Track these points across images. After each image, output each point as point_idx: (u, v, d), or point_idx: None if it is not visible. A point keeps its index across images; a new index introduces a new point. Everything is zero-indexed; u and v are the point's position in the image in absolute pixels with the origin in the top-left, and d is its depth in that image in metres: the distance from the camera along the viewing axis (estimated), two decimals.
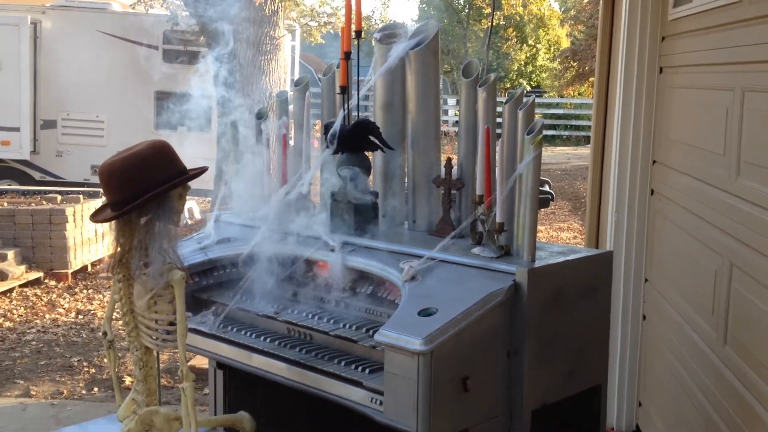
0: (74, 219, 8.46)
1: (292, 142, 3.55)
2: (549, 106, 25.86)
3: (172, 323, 2.51)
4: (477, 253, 2.73)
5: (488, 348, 2.45)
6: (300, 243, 3.05)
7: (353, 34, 3.12)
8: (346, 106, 3.14)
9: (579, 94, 26.63)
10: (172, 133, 11.41)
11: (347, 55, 3.13)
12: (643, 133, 4.20)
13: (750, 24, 2.92)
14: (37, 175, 11.99)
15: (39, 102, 11.86)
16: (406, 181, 3.26)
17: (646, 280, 4.25)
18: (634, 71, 4.21)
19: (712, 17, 3.35)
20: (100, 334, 2.71)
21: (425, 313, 2.42)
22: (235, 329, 2.99)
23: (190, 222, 9.76)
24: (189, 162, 2.63)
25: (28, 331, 6.69)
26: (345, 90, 3.15)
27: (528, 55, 30.16)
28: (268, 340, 2.88)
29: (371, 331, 2.65)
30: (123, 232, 2.49)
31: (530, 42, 29.81)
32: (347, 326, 2.76)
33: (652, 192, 4.19)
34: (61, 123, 11.94)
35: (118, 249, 2.53)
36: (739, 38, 3.03)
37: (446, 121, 23.69)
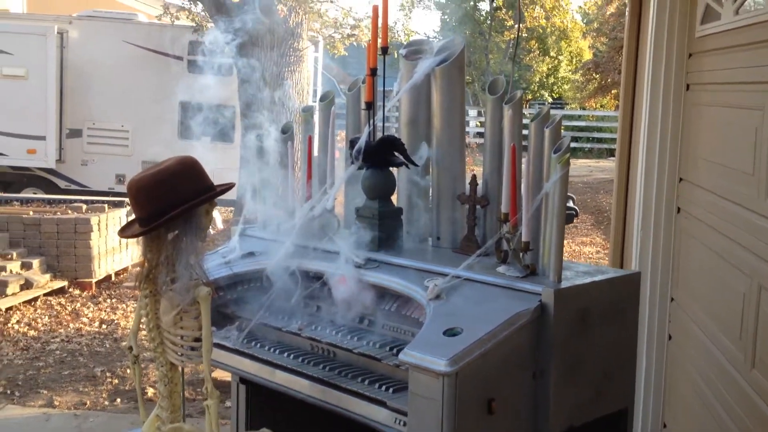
0: (99, 228, 8.52)
1: (316, 154, 3.56)
2: (571, 118, 25.76)
3: (197, 339, 2.52)
4: (502, 272, 2.71)
5: (514, 369, 2.43)
6: (324, 258, 3.04)
7: (379, 50, 3.13)
8: (371, 121, 3.15)
9: (601, 107, 26.52)
10: (196, 143, 11.51)
11: (373, 72, 3.13)
12: (669, 149, 4.17)
13: None
14: (62, 184, 12.11)
15: (65, 111, 11.99)
16: (430, 197, 3.25)
17: (672, 299, 4.20)
18: (660, 87, 4.18)
19: (740, 35, 3.32)
20: (126, 348, 2.71)
21: (450, 333, 2.41)
22: (258, 344, 2.99)
23: (212, 232, 9.81)
24: (212, 170, 2.64)
25: (52, 340, 6.74)
26: (370, 106, 3.16)
27: (550, 66, 30.09)
28: (292, 356, 2.87)
29: (395, 350, 2.64)
30: (151, 247, 2.51)
31: (552, 53, 29.74)
32: (371, 344, 2.76)
33: (679, 210, 4.15)
34: (86, 132, 12.05)
35: (146, 264, 2.54)
36: None
37: (468, 133, 23.67)
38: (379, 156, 3.10)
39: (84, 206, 9.13)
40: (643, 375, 4.23)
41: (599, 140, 24.86)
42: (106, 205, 9.16)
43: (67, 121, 12.01)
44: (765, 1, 3.09)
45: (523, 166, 2.79)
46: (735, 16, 3.40)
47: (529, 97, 29.67)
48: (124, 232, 2.57)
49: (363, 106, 3.26)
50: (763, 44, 3.08)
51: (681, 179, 4.13)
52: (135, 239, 2.59)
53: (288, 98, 9.41)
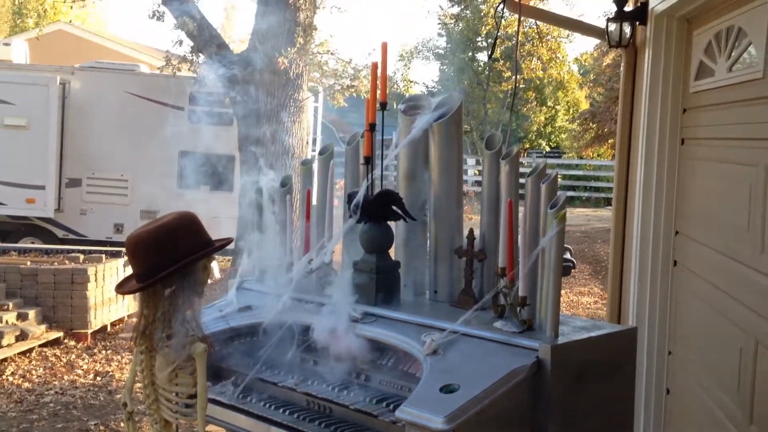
0: (96, 279, 8.51)
1: (315, 204, 3.58)
2: (568, 167, 25.91)
3: (192, 396, 2.50)
4: (499, 327, 2.71)
5: (511, 426, 2.42)
6: (321, 313, 3.04)
7: (378, 105, 3.17)
8: (369, 176, 3.17)
9: (598, 156, 26.67)
10: (195, 192, 11.61)
11: (372, 127, 3.17)
12: (665, 203, 4.20)
13: None
14: (60, 233, 12.11)
15: (65, 161, 12.05)
16: (428, 251, 3.26)
17: (670, 352, 4.19)
18: (655, 141, 4.23)
19: (734, 92, 3.37)
20: (121, 405, 2.69)
21: (447, 389, 2.40)
22: (254, 400, 2.98)
23: (210, 282, 9.78)
24: (212, 219, 2.64)
25: (46, 392, 6.68)
26: (369, 161, 3.18)
27: (547, 116, 30.36)
28: (288, 412, 2.85)
29: (392, 406, 2.62)
30: (147, 303, 2.51)
31: (549, 103, 30.03)
32: (367, 400, 2.74)
33: (675, 263, 4.16)
34: (86, 182, 12.10)
35: (142, 320, 2.54)
36: (762, 114, 3.04)
37: (466, 181, 23.80)
38: (376, 210, 3.12)
39: (81, 256, 9.12)
40: (641, 430, 4.20)
41: (597, 189, 24.96)
42: (103, 256, 9.16)
43: (66, 170, 12.07)
44: (758, 58, 3.15)
45: (520, 220, 2.80)
46: (728, 73, 3.45)
47: (527, 146, 29.88)
48: (122, 287, 2.57)
49: (362, 160, 3.29)
50: (756, 101, 3.12)
51: (677, 232, 4.15)
52: (132, 294, 2.59)
53: (288, 149, 9.49)
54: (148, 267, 2.45)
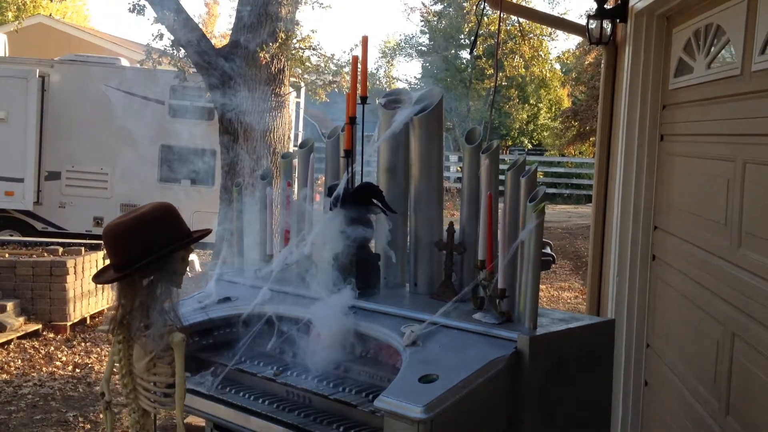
0: (75, 271, 8.45)
1: (295, 198, 3.58)
2: (550, 164, 26.03)
3: (170, 386, 2.50)
4: (478, 318, 2.72)
5: (489, 416, 2.43)
6: (301, 304, 3.04)
7: (358, 99, 3.17)
8: (350, 169, 3.17)
9: (580, 153, 26.82)
10: (175, 187, 11.55)
11: (352, 120, 3.17)
12: (644, 198, 4.23)
13: (750, 97, 2.97)
14: (39, 226, 12.01)
15: (44, 154, 11.95)
16: (408, 243, 3.27)
17: (648, 345, 4.23)
18: (635, 138, 4.26)
19: (712, 88, 3.40)
20: (99, 395, 2.68)
21: (426, 379, 2.41)
22: (233, 390, 2.97)
23: (190, 275, 9.74)
24: (192, 213, 2.64)
25: (24, 384, 6.63)
26: (349, 154, 3.19)
27: (529, 114, 30.47)
28: (267, 402, 2.86)
29: (371, 396, 2.63)
30: (125, 293, 2.50)
31: (532, 101, 30.13)
32: (347, 390, 2.74)
33: (654, 257, 4.20)
34: (65, 175, 12.01)
35: (120, 310, 2.53)
36: (740, 111, 3.07)
37: (448, 178, 23.83)
38: (357, 203, 3.12)
39: (60, 249, 9.05)
40: (619, 421, 4.24)
41: (578, 186, 25.10)
42: (82, 248, 9.09)
43: (46, 163, 11.97)
44: (736, 56, 3.18)
45: (500, 214, 2.82)
46: (707, 69, 3.49)
47: (509, 143, 29.97)
48: (99, 278, 2.56)
49: (342, 153, 3.29)
50: (734, 97, 3.16)
51: (656, 227, 4.19)
52: (110, 285, 2.58)
53: (269, 144, 9.45)
54: (125, 257, 2.43)
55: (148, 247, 2.43)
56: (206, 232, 2.59)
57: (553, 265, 12.40)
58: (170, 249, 2.46)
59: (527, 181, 2.71)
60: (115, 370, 2.65)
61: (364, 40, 3.29)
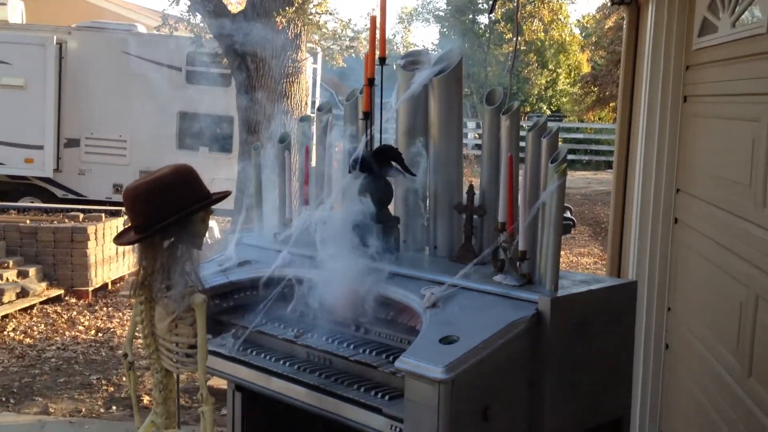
0: (96, 237, 8.52)
1: (314, 165, 3.56)
2: (569, 130, 25.82)
3: (192, 346, 2.51)
4: (499, 280, 2.71)
5: (509, 377, 2.43)
6: (320, 267, 3.04)
7: (377, 60, 3.14)
8: (368, 131, 3.15)
9: (599, 119, 26.58)
10: (194, 154, 11.56)
11: (371, 81, 3.14)
12: (666, 161, 4.18)
13: None
14: (59, 193, 12.10)
15: (63, 121, 11.99)
16: (427, 206, 3.26)
17: (669, 309, 4.21)
18: (657, 99, 4.19)
19: (737, 48, 3.33)
20: (121, 354, 2.71)
21: (446, 340, 2.41)
22: (254, 352, 2.99)
23: (210, 242, 9.78)
24: (211, 181, 2.64)
25: (47, 348, 6.73)
26: (368, 115, 3.16)
27: (548, 79, 30.18)
28: (288, 364, 2.87)
29: (392, 358, 2.64)
30: (146, 254, 2.51)
31: (551, 67, 29.83)
32: (367, 352, 2.75)
33: (676, 220, 4.16)
34: (84, 142, 12.05)
35: (141, 271, 2.54)
36: (765, 70, 3.01)
37: (466, 144, 23.70)
38: (376, 165, 3.10)
39: (81, 215, 9.12)
40: (639, 384, 4.23)
41: (597, 152, 24.91)
42: (103, 214, 9.16)
43: (65, 130, 12.02)
44: (762, 14, 3.11)
45: (520, 176, 2.79)
46: (732, 28, 3.42)
47: (528, 109, 29.75)
48: (120, 239, 2.57)
49: (360, 116, 3.27)
50: (759, 56, 3.09)
51: (678, 190, 4.14)
52: (130, 246, 2.59)
53: (286, 111, 9.42)
54: (146, 218, 2.44)
55: (169, 208, 2.43)
56: (226, 194, 2.59)
57: (573, 231, 12.37)
58: (190, 210, 2.46)
59: (548, 142, 2.68)
60: (137, 332, 2.68)
61: (383, 1, 3.24)
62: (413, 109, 3.20)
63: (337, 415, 2.64)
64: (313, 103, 12.91)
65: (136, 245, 2.52)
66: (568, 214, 10.57)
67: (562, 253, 11.60)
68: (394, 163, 3.11)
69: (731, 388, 3.18)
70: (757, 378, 2.95)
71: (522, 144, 2.83)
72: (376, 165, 3.09)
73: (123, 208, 2.53)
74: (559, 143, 2.77)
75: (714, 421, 3.37)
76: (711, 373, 3.44)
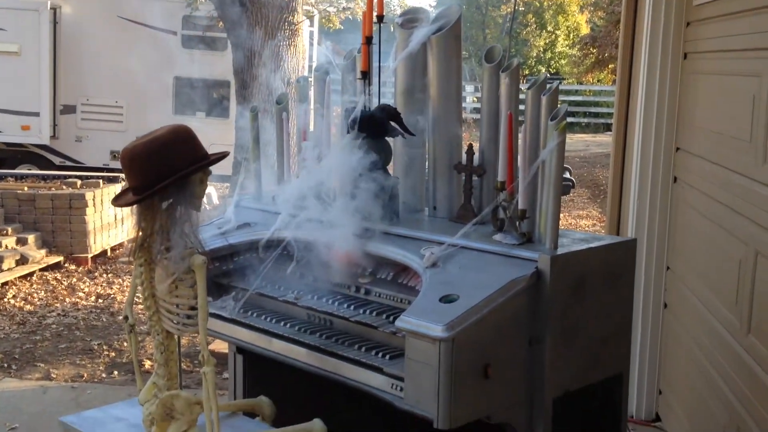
0: (94, 204, 8.51)
1: (312, 127, 3.54)
2: (568, 93, 25.67)
3: (193, 308, 2.51)
4: (499, 239, 2.71)
5: (510, 335, 2.43)
6: (320, 229, 3.03)
7: (375, 18, 3.10)
8: (367, 91, 3.12)
9: (598, 81, 26.40)
10: (191, 119, 11.50)
11: (368, 40, 3.10)
12: (666, 119, 4.16)
13: None
14: (56, 160, 12.06)
15: (59, 87, 11.92)
16: (426, 167, 3.24)
17: (668, 268, 4.21)
18: (658, 57, 4.16)
19: (738, 2, 3.30)
20: (121, 318, 2.71)
21: (447, 299, 2.41)
22: (255, 314, 3.00)
23: (208, 208, 9.77)
24: (208, 146, 2.62)
25: (48, 314, 6.75)
26: (366, 75, 3.13)
27: (547, 41, 29.95)
28: (288, 325, 2.88)
29: (392, 318, 2.64)
30: (144, 216, 2.49)
31: (549, 28, 29.58)
32: (368, 312, 2.75)
33: (675, 179, 4.15)
34: (80, 108, 11.99)
35: (140, 233, 2.53)
36: (765, 24, 2.98)
37: (465, 108, 23.58)
38: (375, 125, 3.08)
39: (79, 182, 9.09)
40: (638, 342, 4.25)
41: (596, 115, 24.80)
42: (101, 181, 9.13)
43: (60, 97, 11.95)
44: None
45: (520, 136, 2.77)
46: None
47: (526, 72, 29.57)
48: (118, 200, 2.55)
49: (359, 75, 3.23)
50: (761, 10, 3.06)
51: (678, 148, 4.13)
52: (129, 213, 2.58)
53: (283, 74, 9.35)
54: (143, 180, 2.42)
55: (166, 168, 2.41)
56: (224, 155, 2.57)
57: (572, 193, 12.36)
58: (188, 171, 2.44)
59: (548, 99, 2.66)
60: (137, 295, 2.68)
61: None
62: (411, 68, 3.16)
63: (338, 375, 2.65)
64: (311, 66, 12.82)
65: (134, 207, 2.50)
66: (567, 175, 10.55)
67: (561, 215, 11.58)
68: (392, 123, 3.09)
69: (730, 345, 3.19)
70: (755, 334, 2.96)
71: (521, 108, 2.80)
72: (375, 125, 3.07)
73: (121, 175, 2.51)
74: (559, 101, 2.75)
75: (712, 378, 3.40)
76: (710, 330, 3.45)
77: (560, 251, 2.57)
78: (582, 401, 2.67)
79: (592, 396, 2.72)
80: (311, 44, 13.02)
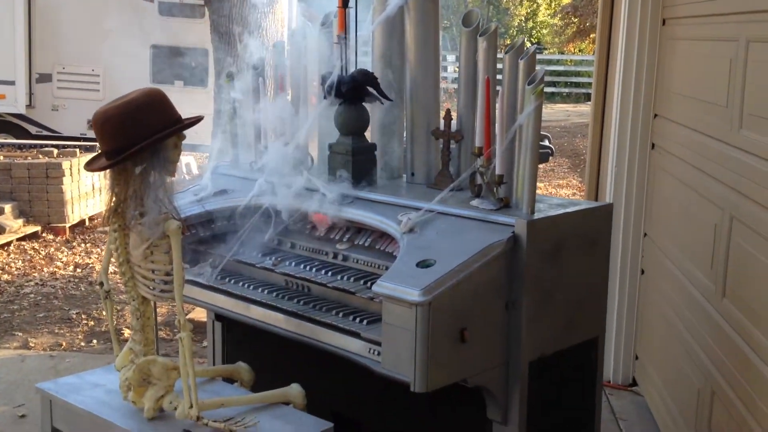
0: (71, 173, 8.42)
1: (289, 94, 3.50)
2: (549, 62, 25.62)
3: (168, 273, 2.50)
4: (476, 205, 2.71)
5: (486, 299, 2.44)
6: (297, 195, 3.02)
7: None
8: (343, 55, 3.09)
9: (579, 51, 26.37)
10: (169, 88, 11.34)
11: (345, 3, 3.07)
12: (644, 86, 4.16)
13: None
14: (33, 130, 11.90)
15: (34, 55, 11.72)
16: (404, 133, 3.22)
17: (645, 234, 4.24)
18: (636, 23, 4.15)
19: None
20: (97, 285, 2.69)
21: (423, 264, 2.41)
22: (232, 281, 2.99)
23: (188, 177, 9.70)
24: (186, 115, 2.59)
25: (26, 284, 6.70)
26: (342, 38, 3.10)
27: (528, 10, 29.82)
28: (266, 291, 2.87)
29: (369, 283, 2.64)
30: (118, 181, 2.47)
31: None
32: (345, 278, 2.75)
33: (653, 146, 4.16)
34: (56, 77, 11.81)
35: (113, 198, 2.50)
36: None
37: (445, 78, 23.48)
38: (352, 91, 3.05)
39: (55, 151, 8.98)
40: (615, 308, 4.29)
41: (577, 85, 24.80)
42: (77, 150, 9.03)
43: (36, 65, 11.76)
44: None
45: (498, 102, 2.76)
46: None
47: (507, 41, 29.45)
48: (91, 165, 2.52)
49: (335, 39, 3.20)
50: None
51: (656, 115, 4.13)
52: (106, 181, 2.55)
53: (262, 43, 9.25)
54: (117, 144, 2.39)
55: (139, 132, 2.38)
56: (198, 119, 2.54)
57: (551, 162, 12.39)
58: (162, 135, 2.41)
59: (526, 63, 2.65)
60: (112, 261, 2.66)
61: None
62: (389, 32, 3.14)
63: (315, 341, 2.66)
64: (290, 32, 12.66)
65: (107, 171, 2.47)
66: (546, 143, 10.56)
67: (541, 184, 11.63)
68: (369, 89, 3.06)
69: (705, 309, 3.22)
70: (730, 299, 2.99)
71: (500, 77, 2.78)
72: (352, 91, 3.04)
73: (97, 144, 2.46)
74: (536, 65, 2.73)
75: (688, 343, 3.43)
76: (685, 295, 3.48)
77: (537, 216, 2.58)
78: (558, 365, 2.69)
79: (568, 360, 2.74)
80: (290, 12, 12.88)
